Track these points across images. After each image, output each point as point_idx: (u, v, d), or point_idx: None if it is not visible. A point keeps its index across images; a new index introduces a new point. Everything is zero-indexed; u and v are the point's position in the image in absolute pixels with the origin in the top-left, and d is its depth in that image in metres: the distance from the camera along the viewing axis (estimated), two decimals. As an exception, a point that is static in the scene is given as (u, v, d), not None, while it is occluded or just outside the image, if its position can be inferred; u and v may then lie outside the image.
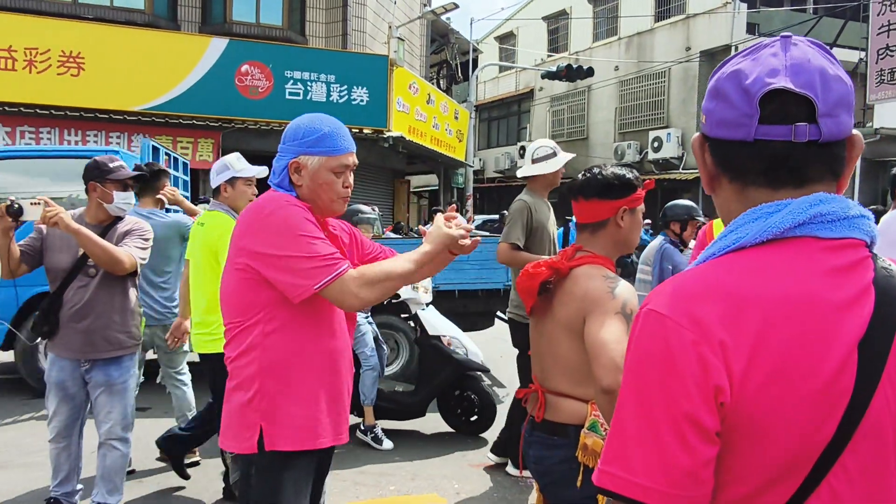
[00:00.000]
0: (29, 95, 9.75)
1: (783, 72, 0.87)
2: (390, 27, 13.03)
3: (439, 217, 2.02)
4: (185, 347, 4.34)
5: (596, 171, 2.02)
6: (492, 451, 4.54)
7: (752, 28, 18.45)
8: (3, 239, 2.95)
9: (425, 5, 17.51)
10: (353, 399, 4.63)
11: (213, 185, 3.57)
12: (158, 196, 4.29)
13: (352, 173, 1.99)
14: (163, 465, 4.33)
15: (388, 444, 4.79)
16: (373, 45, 13.99)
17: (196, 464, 4.38)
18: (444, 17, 17.42)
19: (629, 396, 0.86)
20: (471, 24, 20.88)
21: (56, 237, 3.13)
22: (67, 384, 3.19)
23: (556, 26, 24.92)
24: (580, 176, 2.05)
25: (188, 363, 4.50)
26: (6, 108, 9.71)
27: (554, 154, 4.09)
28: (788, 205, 0.87)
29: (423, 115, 13.51)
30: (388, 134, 11.89)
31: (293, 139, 1.92)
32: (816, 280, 0.84)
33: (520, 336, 4.01)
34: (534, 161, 4.14)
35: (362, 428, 4.88)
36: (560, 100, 23.99)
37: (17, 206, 2.86)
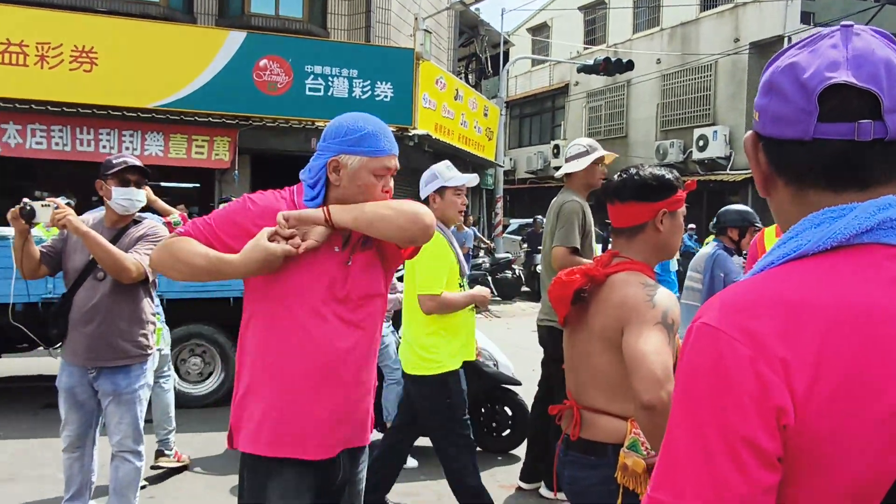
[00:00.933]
0: (40, 92, 10.00)
1: (844, 65, 0.85)
2: (416, 19, 13.10)
3: (265, 230, 1.92)
4: (166, 350, 4.57)
5: (633, 171, 2.02)
6: (521, 478, 4.52)
7: (807, 17, 18.15)
8: (20, 240, 3.09)
9: (453, -5, 17.57)
10: (376, 415, 4.68)
11: (423, 195, 3.54)
12: None
13: (392, 178, 2.01)
14: (162, 472, 4.49)
15: (412, 462, 4.80)
16: (398, 37, 14.09)
17: (185, 468, 4.57)
18: (473, 8, 17.49)
19: (680, 417, 0.84)
20: (502, 14, 20.90)
21: (76, 239, 3.23)
22: (76, 391, 3.27)
23: (594, 16, 24.84)
24: (616, 177, 2.06)
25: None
26: (17, 104, 9.96)
27: (587, 152, 4.13)
28: (853, 209, 0.85)
29: (450, 111, 13.55)
30: (413, 132, 11.95)
31: (334, 137, 1.94)
32: (884, 290, 0.81)
33: (555, 345, 4.00)
34: (567, 160, 4.21)
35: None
36: (597, 95, 23.88)
37: (29, 207, 2.98)
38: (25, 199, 3.01)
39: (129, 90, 10.39)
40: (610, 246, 2.16)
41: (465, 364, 3.78)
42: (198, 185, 12.67)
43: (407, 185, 15.70)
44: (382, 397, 4.78)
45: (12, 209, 3.01)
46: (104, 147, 10.66)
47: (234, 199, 3.41)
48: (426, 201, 3.52)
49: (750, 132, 0.97)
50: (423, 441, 5.10)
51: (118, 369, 3.25)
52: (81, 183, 12.83)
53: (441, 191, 3.51)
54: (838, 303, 0.81)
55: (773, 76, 0.91)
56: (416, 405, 3.60)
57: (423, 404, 3.53)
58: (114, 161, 3.28)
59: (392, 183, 2.03)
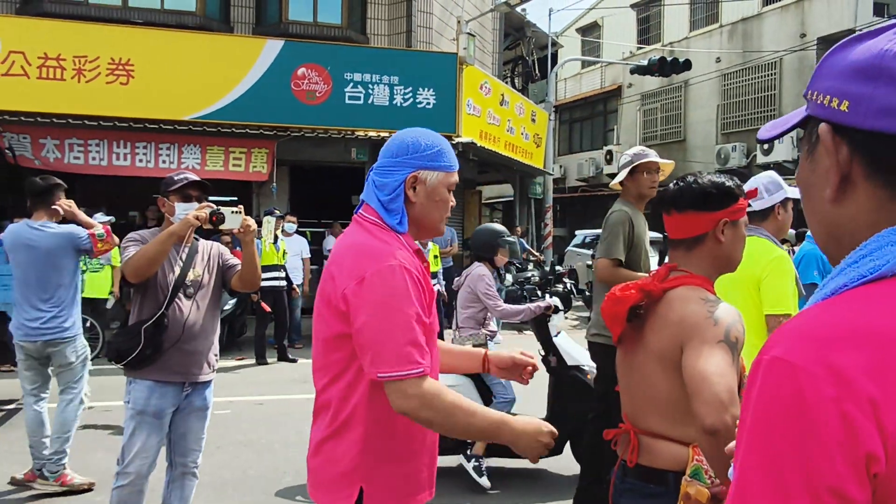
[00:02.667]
0: (77, 106, 10.34)
1: None
2: (459, 22, 13.17)
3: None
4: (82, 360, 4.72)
5: (690, 179, 1.99)
6: (576, 502, 4.46)
7: (880, 9, 17.71)
8: (170, 243, 3.24)
9: (498, -4, 17.62)
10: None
11: (764, 206, 3.29)
12: (53, 207, 4.62)
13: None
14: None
15: (485, 482, 4.88)
16: (440, 41, 14.18)
17: (89, 490, 4.61)
18: (518, 9, 17.49)
19: (755, 460, 0.78)
20: (549, 14, 20.89)
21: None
22: (166, 412, 3.37)
23: (647, 14, 24.63)
24: (672, 185, 2.02)
25: None
26: (55, 119, 10.32)
27: (630, 161, 4.14)
28: None
29: (496, 118, 13.56)
30: (457, 140, 11.97)
31: (412, 152, 1.93)
32: None
33: (608, 361, 3.95)
34: (620, 168, 4.22)
35: (469, 453, 4.99)
36: (652, 97, 23.63)
37: (221, 214, 3.26)
38: (213, 205, 3.29)
39: (166, 102, 10.67)
40: (667, 259, 2.14)
41: (579, 382, 3.78)
42: (235, 198, 12.97)
43: (454, 195, 15.77)
44: None
45: (196, 212, 3.24)
46: (140, 161, 10.97)
47: (276, 210, 3.53)
48: (767, 213, 3.22)
49: (823, 124, 0.88)
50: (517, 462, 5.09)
51: (207, 384, 3.50)
52: (118, 197, 13.24)
53: (785, 202, 3.27)
54: None
55: (884, 60, 0.82)
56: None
57: None
58: (175, 178, 3.43)
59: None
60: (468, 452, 4.98)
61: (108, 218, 9.17)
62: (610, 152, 24.52)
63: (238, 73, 11.00)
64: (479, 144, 12.57)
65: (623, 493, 2.01)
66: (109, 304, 9.52)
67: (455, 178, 2.01)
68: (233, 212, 3.27)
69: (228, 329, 10.06)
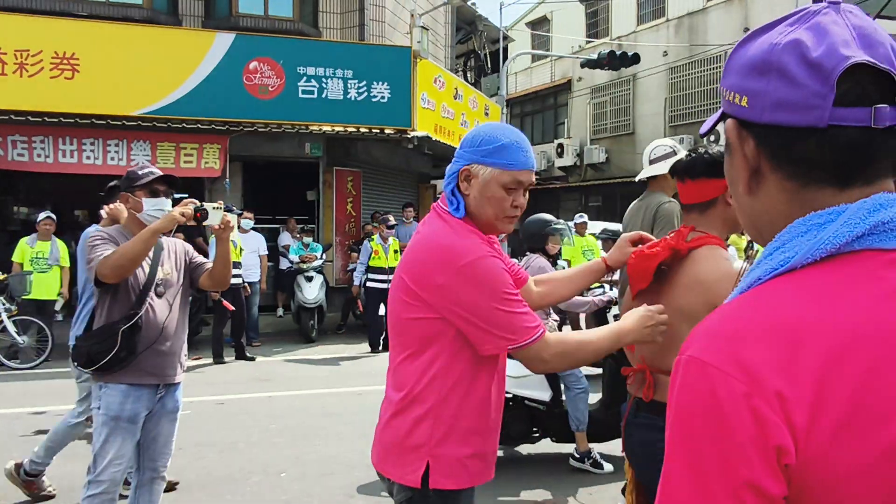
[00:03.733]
0: (20, 102, 9.99)
1: (854, 43, 0.81)
2: (412, 15, 13.10)
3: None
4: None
5: (702, 150, 2.23)
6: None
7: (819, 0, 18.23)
8: (153, 240, 3.11)
9: (449, -10, 17.59)
10: (565, 427, 4.97)
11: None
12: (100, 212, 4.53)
13: (527, 192, 2.06)
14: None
15: (608, 467, 4.96)
16: (393, 35, 14.10)
17: (51, 497, 4.46)
18: (470, 3, 17.49)
19: (678, 457, 0.80)
20: (500, 9, 20.85)
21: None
22: (140, 416, 3.24)
23: (596, 9, 24.89)
24: (685, 157, 2.28)
25: None
26: (-4, 116, 9.95)
27: (674, 153, 4.21)
28: (842, 213, 0.80)
29: (450, 111, 13.55)
30: (412, 134, 11.94)
31: (470, 146, 2.00)
32: (885, 305, 0.77)
33: None
34: (651, 162, 4.31)
35: (576, 455, 5.05)
36: (602, 91, 23.91)
37: (205, 210, 3.21)
38: (196, 201, 3.23)
39: (114, 97, 10.38)
40: (681, 222, 2.42)
41: None
42: (186, 195, 12.73)
43: (407, 188, 15.74)
44: (571, 407, 4.91)
45: (181, 209, 3.14)
46: (87, 158, 10.66)
47: (233, 208, 3.45)
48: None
49: (730, 120, 0.90)
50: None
51: (178, 385, 3.40)
52: (64, 195, 12.84)
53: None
54: (836, 324, 0.76)
55: (772, 55, 0.83)
56: None
57: None
58: (140, 172, 3.31)
59: (525, 199, 2.05)
60: (575, 455, 5.05)
61: (46, 215, 8.87)
62: (561, 145, 24.73)
63: (188, 68, 10.76)
64: (434, 138, 12.55)
65: (637, 427, 2.15)
66: (58, 306, 9.24)
67: (519, 176, 1.98)
68: (214, 208, 3.23)
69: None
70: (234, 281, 9.16)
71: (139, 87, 10.51)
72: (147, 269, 3.25)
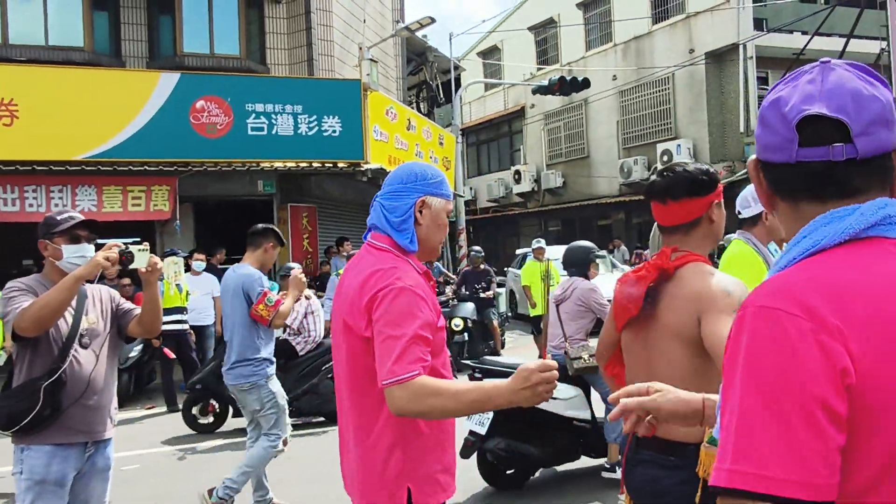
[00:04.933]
0: (-43, 150, 9.66)
1: (818, 97, 1.06)
2: (361, 48, 13.07)
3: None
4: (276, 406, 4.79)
5: (679, 169, 2.18)
6: None
7: (759, 24, 18.69)
8: (77, 287, 2.95)
9: (398, 22, 17.66)
10: (598, 439, 5.24)
11: (753, 213, 3.31)
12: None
13: None
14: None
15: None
16: (343, 69, 14.06)
17: None
18: (419, 34, 17.55)
19: (750, 392, 0.96)
20: (450, 39, 21.06)
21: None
22: (68, 478, 3.02)
23: (545, 36, 25.25)
24: (656, 177, 2.21)
25: None
26: (-69, 166, 9.61)
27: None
28: (858, 208, 1.05)
29: (403, 142, 13.50)
30: (365, 167, 11.83)
31: (421, 179, 2.17)
32: None
33: None
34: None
35: (607, 465, 5.28)
36: (555, 116, 24.17)
37: (131, 253, 3.07)
38: (122, 244, 3.06)
39: (56, 142, 10.10)
40: (660, 244, 2.38)
41: None
42: (137, 239, 12.43)
43: (363, 220, 15.61)
44: (607, 421, 4.98)
45: (105, 253, 2.97)
46: (31, 206, 10.32)
47: (179, 252, 3.32)
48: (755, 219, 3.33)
49: (752, 157, 1.18)
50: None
51: (108, 441, 3.20)
52: (7, 245, 12.43)
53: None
54: (871, 282, 0.99)
55: (763, 110, 1.12)
56: None
57: None
58: (58, 217, 3.11)
59: None
60: (606, 465, 5.29)
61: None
62: (518, 172, 24.87)
63: (132, 109, 10.53)
64: (387, 170, 12.45)
65: (639, 464, 2.11)
66: (1, 361, 8.86)
67: (451, 206, 2.23)
68: (139, 250, 3.08)
69: (136, 377, 9.51)
70: (179, 327, 8.88)
71: (82, 130, 10.25)
72: (70, 320, 3.04)
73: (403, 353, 1.89)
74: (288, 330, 7.54)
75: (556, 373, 1.86)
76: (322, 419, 7.71)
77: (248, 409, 4.81)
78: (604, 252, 6.04)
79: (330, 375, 7.46)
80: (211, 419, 7.66)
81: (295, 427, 5.60)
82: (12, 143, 9.92)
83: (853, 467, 0.94)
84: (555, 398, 5.09)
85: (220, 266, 10.52)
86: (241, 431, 7.60)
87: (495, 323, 11.69)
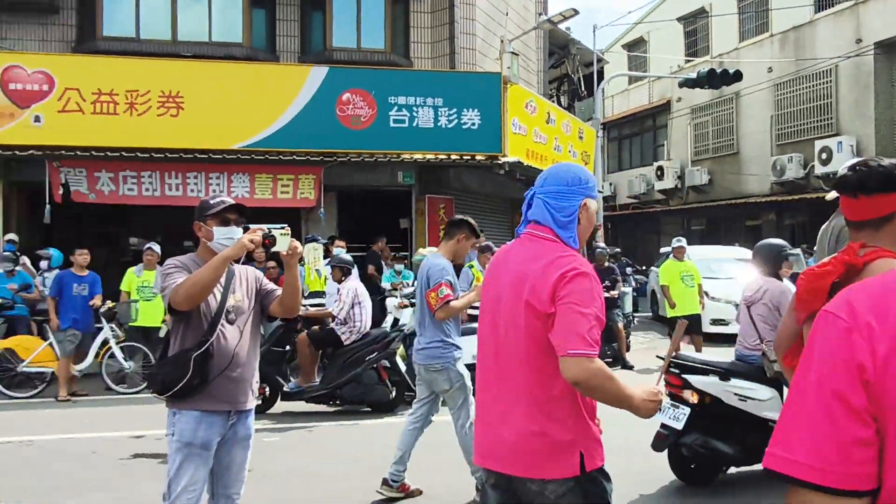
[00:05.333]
0: (130, 139, 10.57)
1: None
2: (502, 41, 13.10)
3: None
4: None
5: (873, 164, 2.14)
6: None
7: (940, 10, 17.07)
8: (223, 268, 3.15)
9: (541, 14, 17.53)
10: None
11: None
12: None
13: None
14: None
15: None
16: (483, 62, 14.13)
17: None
18: (562, 26, 17.36)
19: (794, 384, 1.07)
20: (594, 31, 20.60)
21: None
22: (212, 443, 3.25)
23: (695, 27, 24.24)
24: (848, 171, 2.18)
25: None
26: (108, 153, 10.56)
27: None
28: None
29: (542, 136, 13.40)
30: (503, 159, 11.85)
31: (584, 183, 2.41)
32: None
33: None
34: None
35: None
36: (703, 111, 23.17)
37: (273, 236, 3.19)
38: (265, 228, 3.21)
39: (215, 132, 10.83)
40: (827, 247, 2.44)
41: None
42: (283, 225, 13.12)
43: (500, 213, 15.64)
44: None
45: (250, 236, 3.14)
46: (192, 191, 11.13)
47: (319, 238, 3.45)
48: None
49: None
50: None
51: (250, 412, 3.40)
52: (172, 227, 13.46)
53: None
54: None
55: None
56: None
57: None
58: (211, 202, 3.35)
59: None
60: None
61: (149, 246, 9.37)
62: (661, 168, 24.09)
63: (284, 101, 11.11)
64: (525, 163, 12.42)
65: None
66: (162, 333, 9.62)
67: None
68: (281, 234, 3.21)
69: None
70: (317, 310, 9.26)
71: (239, 121, 10.94)
72: (219, 297, 3.26)
73: (590, 330, 2.13)
74: (335, 320, 7.75)
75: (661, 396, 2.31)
76: (367, 409, 7.87)
77: (438, 389, 4.97)
78: (797, 250, 5.63)
79: (374, 366, 7.63)
80: (260, 401, 7.94)
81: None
82: (178, 132, 10.73)
83: (886, 466, 0.98)
84: (751, 398, 5.01)
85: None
86: (298, 415, 7.83)
87: (620, 325, 11.23)
